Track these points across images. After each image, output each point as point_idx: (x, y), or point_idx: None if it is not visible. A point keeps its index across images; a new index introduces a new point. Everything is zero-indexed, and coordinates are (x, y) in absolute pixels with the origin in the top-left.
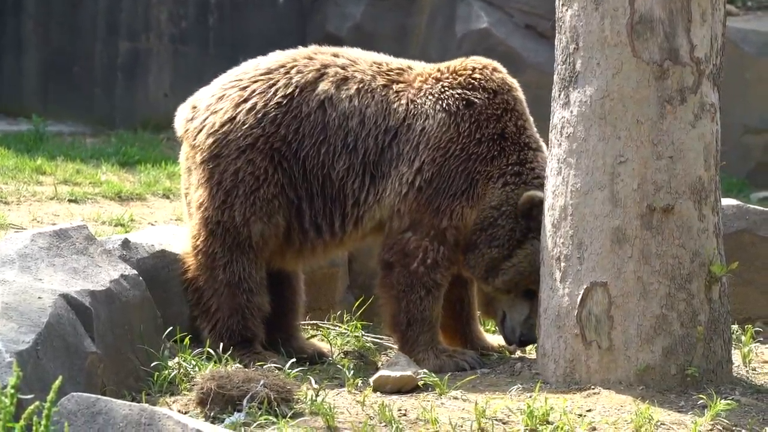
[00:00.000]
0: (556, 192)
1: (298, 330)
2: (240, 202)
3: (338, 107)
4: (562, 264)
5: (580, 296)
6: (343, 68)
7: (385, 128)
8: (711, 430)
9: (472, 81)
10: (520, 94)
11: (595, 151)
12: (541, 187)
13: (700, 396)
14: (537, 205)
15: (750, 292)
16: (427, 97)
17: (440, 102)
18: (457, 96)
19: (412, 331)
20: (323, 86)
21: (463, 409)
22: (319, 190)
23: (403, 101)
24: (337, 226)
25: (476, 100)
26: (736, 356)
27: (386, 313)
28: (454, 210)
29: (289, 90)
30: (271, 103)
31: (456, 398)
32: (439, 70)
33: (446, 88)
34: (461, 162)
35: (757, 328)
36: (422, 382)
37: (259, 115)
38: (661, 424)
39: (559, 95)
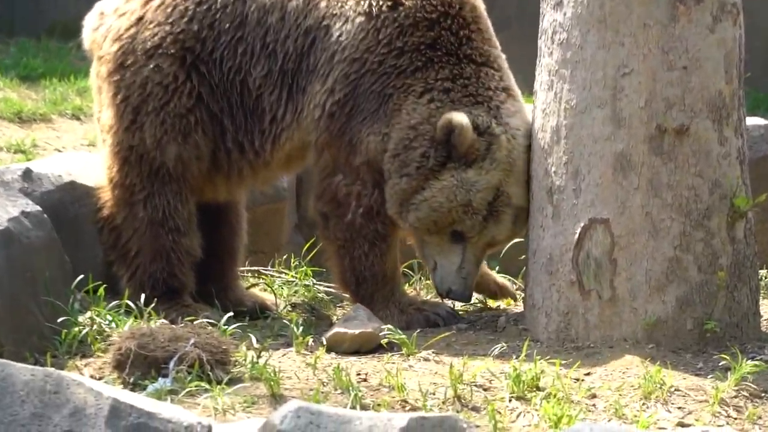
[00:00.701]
0: (546, 110)
1: (236, 278)
2: (150, 120)
3: None
4: (555, 197)
5: (576, 236)
6: None
7: (305, 29)
8: (735, 396)
9: None
10: (479, 2)
11: (593, 60)
12: (476, 107)
13: (722, 356)
14: (457, 130)
15: None
16: None
17: (363, 1)
18: None
19: (364, 289)
20: None
21: (436, 372)
22: (239, 100)
23: None
24: (257, 145)
25: (405, 0)
26: (765, 307)
27: (334, 269)
28: (363, 141)
29: None
30: None
31: (427, 360)
32: None
33: None
34: (377, 78)
35: None
36: (386, 340)
37: (169, 10)
38: (675, 390)
39: None
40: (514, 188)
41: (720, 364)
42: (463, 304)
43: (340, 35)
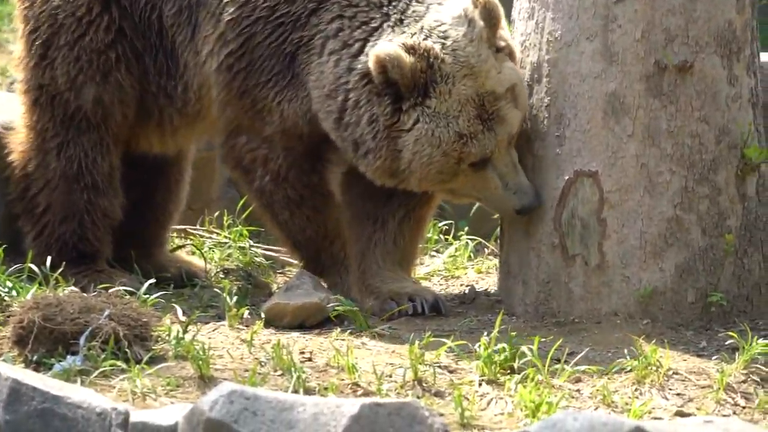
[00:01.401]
0: (525, 43)
1: (162, 243)
2: (62, 56)
3: None
4: (534, 145)
5: (559, 191)
6: None
7: None
8: (744, 381)
9: None
10: None
11: None
12: (380, 32)
13: (729, 333)
14: (390, 64)
15: None
16: None
17: None
18: None
19: (303, 253)
20: None
21: (393, 351)
22: (157, 40)
23: None
24: (180, 91)
25: None
26: None
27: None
28: (274, 110)
29: None
30: None
31: (382, 336)
32: None
33: None
34: (273, 29)
35: None
36: (335, 312)
37: None
38: (674, 373)
39: None
40: (491, 80)
41: (726, 343)
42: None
43: None
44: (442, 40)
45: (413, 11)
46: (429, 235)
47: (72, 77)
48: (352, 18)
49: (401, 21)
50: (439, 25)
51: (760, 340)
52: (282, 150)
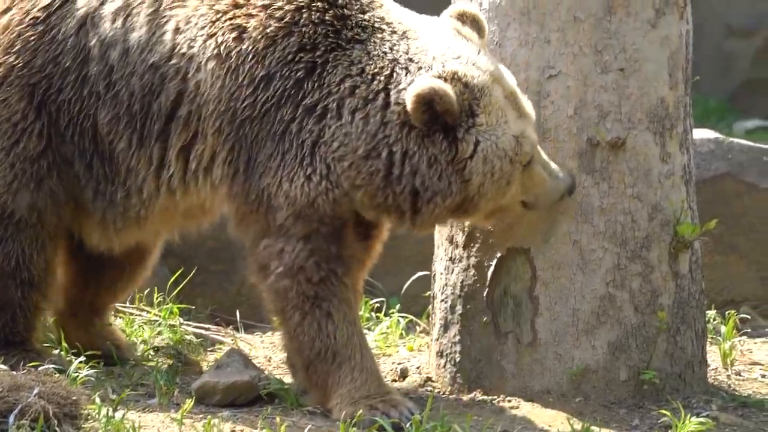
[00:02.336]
0: None
1: (103, 313)
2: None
3: (99, 29)
4: (467, 222)
5: (491, 269)
6: None
7: (151, 65)
8: None
9: None
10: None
11: (513, 60)
12: (404, 74)
13: (662, 411)
14: (436, 96)
15: (733, 264)
16: (196, 28)
17: (209, 41)
18: (228, 27)
19: (313, 371)
20: None
21: (323, 429)
22: (91, 145)
23: (170, 27)
24: (120, 197)
25: (246, 24)
26: (714, 355)
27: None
28: (277, 194)
29: (48, 0)
30: (28, 19)
31: (313, 413)
32: None
33: (219, 13)
34: (260, 120)
35: (743, 315)
36: (265, 390)
37: (13, 35)
38: None
39: None
40: (507, 80)
41: (660, 421)
42: None
43: (198, 85)
44: (459, 60)
45: (416, 47)
46: (360, 313)
47: (8, 182)
48: (361, 73)
49: (411, 60)
50: (447, 49)
51: (693, 419)
52: (297, 241)
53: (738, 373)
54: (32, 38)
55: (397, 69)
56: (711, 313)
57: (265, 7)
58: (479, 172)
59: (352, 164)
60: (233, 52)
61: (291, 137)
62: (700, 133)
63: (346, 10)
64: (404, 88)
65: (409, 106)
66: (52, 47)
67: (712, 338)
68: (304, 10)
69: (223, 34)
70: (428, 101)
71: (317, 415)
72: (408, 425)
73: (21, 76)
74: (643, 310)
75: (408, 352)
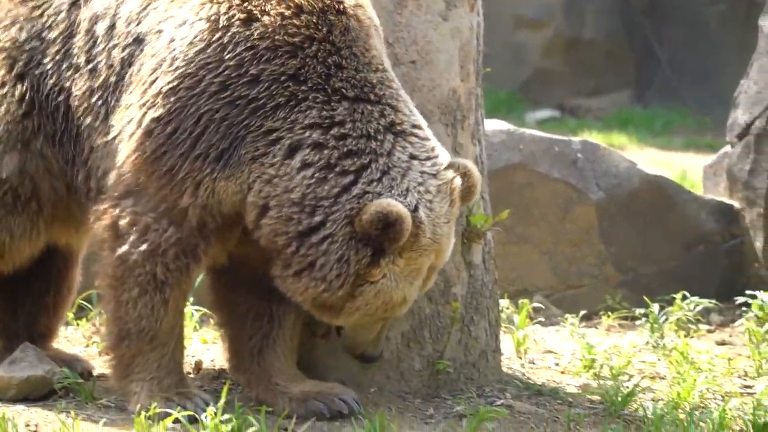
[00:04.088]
0: None
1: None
2: None
3: (91, 4)
4: None
5: None
6: None
7: (136, 37)
8: None
9: None
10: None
11: None
12: (366, 171)
13: (457, 400)
14: (398, 224)
15: (526, 253)
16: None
17: (208, 5)
18: (239, 8)
19: (124, 349)
20: None
21: (120, 423)
22: (63, 122)
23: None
24: (81, 180)
25: (261, 16)
26: (507, 344)
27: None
28: (204, 185)
29: None
30: None
31: (108, 407)
32: None
33: None
34: (221, 107)
35: (536, 304)
36: (59, 385)
37: (2, 13)
38: None
39: None
40: (443, 257)
41: (454, 410)
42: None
43: (172, 40)
44: (428, 211)
45: (398, 158)
46: None
47: None
48: (338, 139)
49: (388, 169)
50: (426, 192)
51: (487, 407)
52: (169, 223)
53: (532, 362)
54: (21, 15)
55: (373, 166)
56: (504, 302)
57: (283, 14)
58: (364, 297)
59: (281, 200)
60: (234, 30)
61: (242, 146)
62: (492, 124)
63: (348, 65)
64: (371, 193)
65: (368, 214)
66: (40, 22)
67: (505, 327)
68: (314, 43)
69: (228, 9)
70: (389, 224)
71: (112, 409)
72: (203, 417)
73: (2, 49)
74: (437, 301)
75: (202, 344)
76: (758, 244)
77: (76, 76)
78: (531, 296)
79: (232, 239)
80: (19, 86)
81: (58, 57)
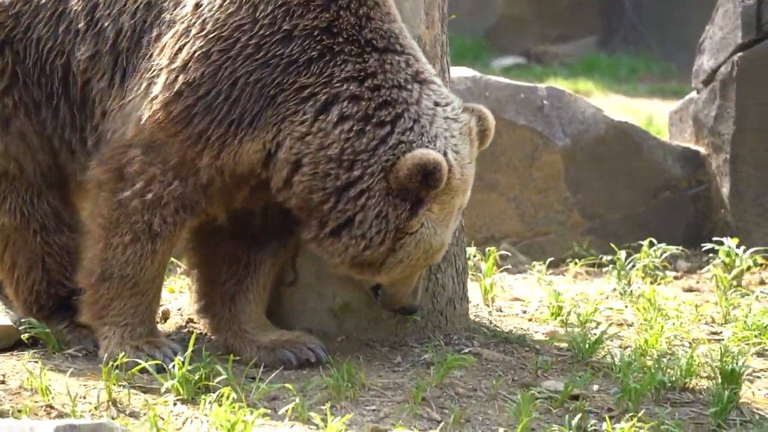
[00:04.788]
0: None
1: None
2: None
3: None
4: None
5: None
6: None
7: (147, 2)
8: (440, 397)
9: None
10: None
11: None
12: (401, 120)
13: (424, 348)
14: (438, 171)
15: (493, 201)
16: None
17: None
18: None
19: (104, 290)
20: None
21: (87, 372)
22: (60, 88)
23: None
24: (90, 144)
25: None
26: (475, 292)
27: (85, 254)
28: (227, 143)
29: None
30: None
31: (76, 357)
32: None
33: None
34: (256, 68)
35: (503, 252)
36: (26, 335)
37: None
38: (370, 388)
39: None
40: (467, 197)
41: (422, 358)
42: None
43: (198, 5)
44: (455, 154)
45: (425, 105)
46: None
47: None
48: (372, 90)
49: (419, 117)
50: (451, 137)
51: (455, 355)
52: (174, 177)
53: (499, 309)
54: None
55: (406, 115)
56: (471, 250)
57: None
58: (405, 250)
59: (316, 155)
60: None
61: (272, 105)
62: (458, 72)
63: (375, 15)
64: (407, 142)
65: (405, 167)
66: None
67: (473, 275)
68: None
69: None
70: (428, 173)
71: (79, 359)
72: (171, 366)
73: None
74: None
75: (169, 293)
76: (724, 190)
77: (78, 40)
78: (498, 244)
79: (239, 198)
80: (3, 59)
81: (51, 21)
